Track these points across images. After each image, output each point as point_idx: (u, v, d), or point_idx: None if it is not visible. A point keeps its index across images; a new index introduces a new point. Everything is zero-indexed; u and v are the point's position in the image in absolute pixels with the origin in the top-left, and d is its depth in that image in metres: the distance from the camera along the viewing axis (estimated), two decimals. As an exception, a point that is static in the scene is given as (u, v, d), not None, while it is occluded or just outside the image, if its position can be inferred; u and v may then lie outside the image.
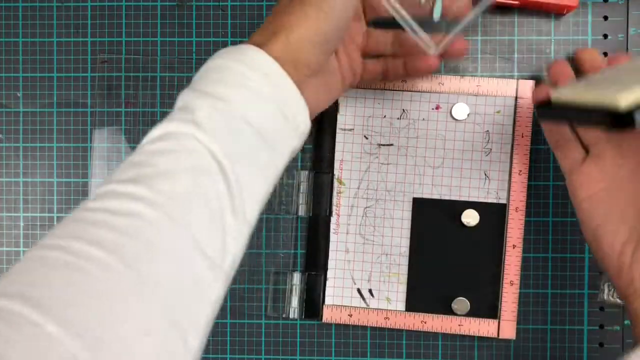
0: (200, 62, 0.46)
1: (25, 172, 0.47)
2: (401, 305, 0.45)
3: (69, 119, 0.47)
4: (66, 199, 0.47)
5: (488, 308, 0.44)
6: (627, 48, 0.45)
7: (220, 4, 0.47)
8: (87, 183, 0.47)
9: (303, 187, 0.45)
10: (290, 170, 0.45)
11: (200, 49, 0.47)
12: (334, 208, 0.45)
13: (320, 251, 0.45)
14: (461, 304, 0.44)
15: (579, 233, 0.45)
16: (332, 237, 0.45)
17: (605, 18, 0.45)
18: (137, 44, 0.47)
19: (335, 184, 0.45)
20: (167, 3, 0.47)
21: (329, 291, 0.45)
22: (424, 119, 0.44)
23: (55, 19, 0.47)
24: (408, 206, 0.45)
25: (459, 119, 0.44)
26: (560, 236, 0.45)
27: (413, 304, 0.45)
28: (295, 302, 0.45)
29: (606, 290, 0.45)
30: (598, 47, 0.45)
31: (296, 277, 0.45)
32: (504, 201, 0.44)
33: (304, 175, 0.45)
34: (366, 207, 0.45)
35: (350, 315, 0.45)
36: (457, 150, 0.44)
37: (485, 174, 0.44)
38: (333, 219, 0.45)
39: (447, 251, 0.44)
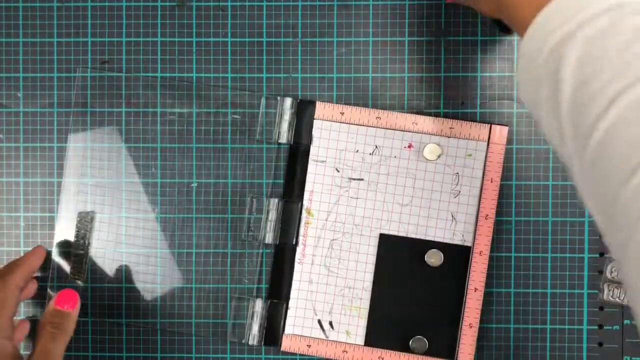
0: (200, 62, 0.47)
1: (26, 172, 0.47)
2: (360, 340, 0.45)
3: (69, 119, 0.47)
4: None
5: (446, 349, 0.44)
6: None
7: (220, 4, 0.47)
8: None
9: (272, 214, 0.45)
10: (259, 197, 0.45)
11: (200, 49, 0.47)
12: (300, 238, 0.45)
13: (284, 280, 0.45)
14: (419, 342, 0.44)
15: (579, 233, 0.45)
16: (297, 266, 0.45)
17: (605, 18, 0.45)
18: (137, 44, 0.47)
19: (304, 214, 0.45)
20: (167, 3, 0.47)
21: (289, 320, 0.45)
22: (395, 157, 0.44)
23: (55, 19, 0.47)
24: (374, 241, 0.45)
25: (430, 159, 0.44)
26: (560, 236, 0.45)
27: (372, 339, 0.45)
28: (255, 329, 0.45)
29: (606, 290, 0.45)
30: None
31: (258, 304, 0.45)
32: (469, 244, 0.44)
33: (273, 202, 0.45)
34: (333, 240, 0.45)
35: (309, 346, 0.45)
36: (427, 190, 0.44)
37: (453, 216, 0.44)
38: (299, 249, 0.45)
39: (409, 289, 0.45)
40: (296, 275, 0.45)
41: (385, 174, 0.45)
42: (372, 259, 0.45)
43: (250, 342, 0.45)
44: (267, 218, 0.45)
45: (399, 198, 0.45)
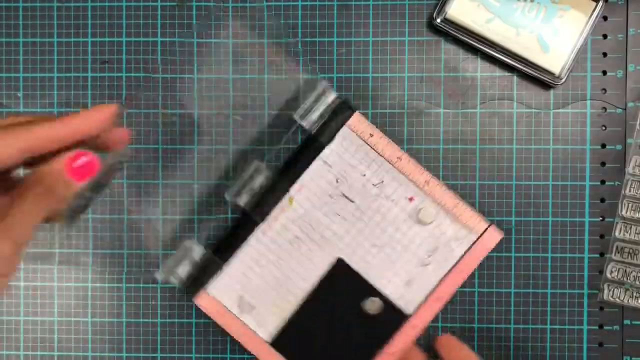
0: (200, 62, 0.46)
1: (26, 172, 0.47)
2: (267, 337, 0.45)
3: (69, 119, 0.47)
4: (66, 199, 0.47)
5: None
6: (626, 48, 0.45)
7: (222, 5, 0.47)
8: (87, 183, 0.47)
9: (258, 181, 0.44)
10: (257, 156, 0.45)
11: (200, 49, 0.47)
12: (269, 218, 0.44)
13: (233, 244, 0.45)
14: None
15: (579, 233, 0.45)
16: (251, 240, 0.45)
17: (605, 18, 0.45)
18: (137, 44, 0.47)
19: (286, 200, 0.45)
20: (167, 3, 0.47)
21: (217, 282, 0.45)
22: (393, 200, 0.44)
23: (55, 19, 0.47)
24: (330, 261, 0.44)
25: (421, 220, 0.44)
26: (560, 236, 0.45)
27: (280, 344, 0.44)
28: (183, 271, 0.44)
29: (606, 290, 0.45)
30: (598, 47, 0.45)
31: (198, 251, 0.44)
32: (409, 313, 0.44)
33: (266, 172, 0.44)
34: (296, 237, 0.44)
35: (222, 315, 0.44)
36: (403, 245, 0.44)
37: (410, 281, 0.44)
38: (262, 226, 0.44)
39: (336, 319, 0.44)
40: (245, 248, 0.45)
41: (376, 210, 0.44)
42: (318, 275, 0.44)
43: (172, 282, 0.44)
44: (251, 181, 0.44)
45: (374, 238, 0.44)
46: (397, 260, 0.44)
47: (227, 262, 0.45)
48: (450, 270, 0.44)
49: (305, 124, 0.44)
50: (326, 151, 0.44)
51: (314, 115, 0.44)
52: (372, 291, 0.44)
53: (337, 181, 0.44)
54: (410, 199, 0.44)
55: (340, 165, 0.44)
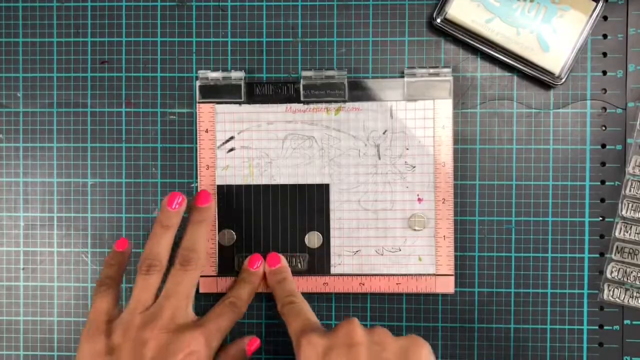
0: (200, 62, 0.47)
1: (25, 172, 0.47)
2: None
3: (69, 119, 0.47)
4: (66, 199, 0.47)
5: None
6: (626, 48, 0.45)
7: (220, 4, 0.47)
8: (87, 183, 0.47)
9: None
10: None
11: (200, 49, 0.47)
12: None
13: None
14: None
15: (579, 233, 0.45)
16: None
17: (605, 18, 0.45)
18: (137, 44, 0.47)
19: (335, 107, 0.46)
20: (167, 3, 0.47)
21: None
22: (407, 187, 0.45)
23: (55, 19, 0.47)
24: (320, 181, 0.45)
25: (410, 223, 0.45)
26: (560, 236, 0.45)
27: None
28: None
29: (606, 290, 0.45)
30: (598, 47, 0.45)
31: None
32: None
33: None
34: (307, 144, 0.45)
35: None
36: (386, 220, 0.44)
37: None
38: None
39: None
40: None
41: (388, 181, 0.45)
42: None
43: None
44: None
45: (366, 201, 0.45)
46: (378, 223, 0.45)
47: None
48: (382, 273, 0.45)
49: (408, 75, 0.45)
50: (400, 103, 0.45)
51: (420, 72, 0.45)
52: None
53: (384, 133, 0.45)
54: (419, 200, 0.45)
55: (398, 124, 0.45)
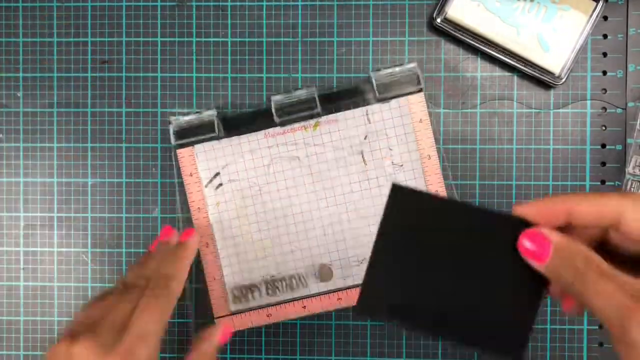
0: (200, 62, 0.47)
1: (26, 172, 0.47)
2: None
3: (69, 119, 0.47)
4: (66, 199, 0.47)
5: None
6: (626, 48, 0.45)
7: (220, 4, 0.47)
8: (87, 183, 0.47)
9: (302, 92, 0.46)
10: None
11: (200, 49, 0.47)
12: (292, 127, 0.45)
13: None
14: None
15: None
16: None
17: (605, 18, 0.45)
18: (137, 44, 0.47)
19: (312, 122, 0.45)
20: (167, 3, 0.47)
21: None
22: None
23: (55, 19, 0.47)
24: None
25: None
26: (560, 236, 0.45)
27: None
28: None
29: (606, 290, 0.45)
30: (598, 47, 0.45)
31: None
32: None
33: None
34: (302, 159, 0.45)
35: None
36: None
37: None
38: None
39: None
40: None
41: (378, 185, 0.45)
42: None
43: None
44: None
45: (353, 206, 0.45)
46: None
47: None
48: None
49: (375, 76, 0.44)
50: (375, 106, 0.45)
51: (385, 72, 0.44)
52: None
53: (365, 138, 0.45)
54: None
55: (376, 127, 0.45)
